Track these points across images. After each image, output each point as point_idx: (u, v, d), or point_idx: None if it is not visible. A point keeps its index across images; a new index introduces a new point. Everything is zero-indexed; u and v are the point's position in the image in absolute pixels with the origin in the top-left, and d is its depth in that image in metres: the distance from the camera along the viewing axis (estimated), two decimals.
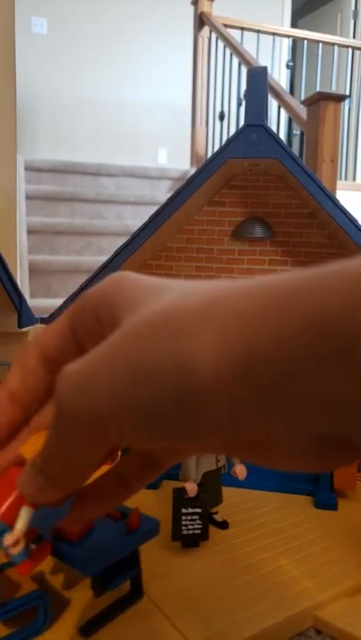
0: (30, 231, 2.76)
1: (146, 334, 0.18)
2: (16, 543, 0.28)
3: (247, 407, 0.16)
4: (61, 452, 0.21)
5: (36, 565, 0.31)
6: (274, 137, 0.65)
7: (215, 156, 0.68)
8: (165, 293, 0.19)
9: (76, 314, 0.23)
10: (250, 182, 0.78)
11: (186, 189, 0.69)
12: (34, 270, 2.60)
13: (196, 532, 0.58)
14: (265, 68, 0.65)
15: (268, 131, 0.65)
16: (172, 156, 4.58)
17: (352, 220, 0.64)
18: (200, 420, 0.17)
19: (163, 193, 3.38)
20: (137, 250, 0.73)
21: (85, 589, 0.50)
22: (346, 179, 4.16)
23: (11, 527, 0.27)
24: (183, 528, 0.58)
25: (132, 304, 0.20)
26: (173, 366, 0.17)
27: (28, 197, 2.95)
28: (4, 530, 0.27)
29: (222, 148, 0.67)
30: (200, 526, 0.59)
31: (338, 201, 0.64)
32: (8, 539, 0.28)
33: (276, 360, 0.15)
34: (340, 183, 2.89)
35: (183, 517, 0.58)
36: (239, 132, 0.66)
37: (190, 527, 0.58)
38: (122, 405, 0.18)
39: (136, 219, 3.01)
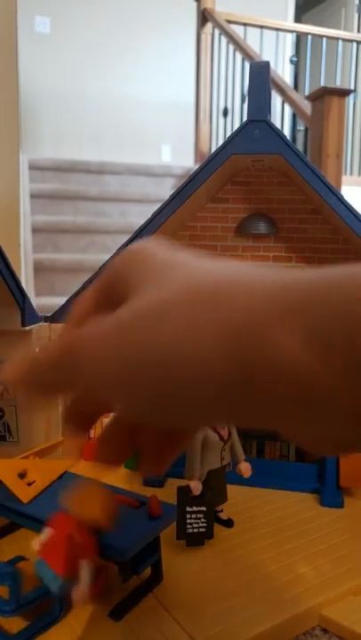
0: (34, 230, 2.76)
1: (148, 325, 0.19)
2: (85, 597, 0.28)
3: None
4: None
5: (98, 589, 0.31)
6: (277, 132, 0.65)
7: (218, 152, 0.67)
8: (168, 280, 0.20)
9: (99, 288, 0.25)
10: (253, 178, 0.77)
11: (188, 186, 0.68)
12: (38, 269, 2.60)
13: (200, 530, 0.58)
14: (267, 63, 0.64)
15: (271, 126, 0.65)
16: (175, 153, 4.57)
17: (356, 215, 0.63)
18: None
19: (167, 190, 3.37)
20: None
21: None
22: (351, 174, 4.14)
23: (69, 580, 0.27)
24: (188, 526, 0.58)
25: (140, 282, 0.21)
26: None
27: (31, 196, 2.94)
28: (63, 584, 0.27)
29: (225, 144, 0.67)
30: (205, 525, 0.58)
31: (341, 196, 0.64)
32: (77, 595, 0.28)
33: None
34: (345, 178, 2.88)
35: (188, 516, 0.58)
36: (242, 128, 0.66)
37: (195, 526, 0.58)
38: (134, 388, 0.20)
39: (140, 216, 2.99)
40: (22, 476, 0.54)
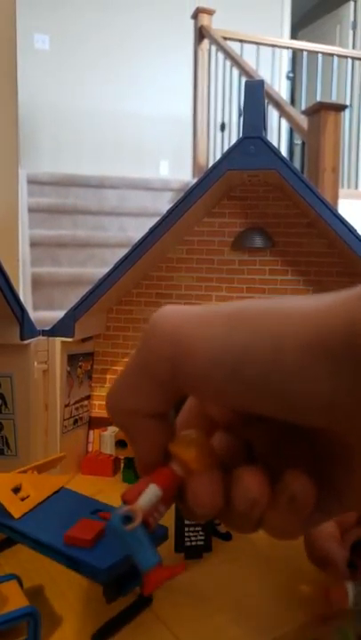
0: (33, 244, 2.77)
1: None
2: (134, 517, 0.25)
3: None
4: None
5: (166, 578, 0.29)
6: (271, 148, 0.66)
7: (214, 167, 0.68)
8: None
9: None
10: (249, 193, 0.78)
11: (185, 201, 0.69)
12: (37, 283, 2.61)
13: (199, 543, 0.58)
14: (262, 81, 0.66)
15: (266, 142, 0.66)
16: (173, 168, 4.61)
17: (350, 229, 0.64)
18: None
19: (165, 204, 3.40)
20: (138, 261, 0.73)
21: (80, 603, 0.50)
22: (348, 187, 4.17)
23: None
24: (186, 539, 0.58)
25: None
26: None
27: (30, 210, 2.96)
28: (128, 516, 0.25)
29: (220, 160, 0.68)
30: (203, 538, 0.58)
31: (336, 210, 0.64)
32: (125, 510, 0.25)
33: None
34: (342, 191, 2.90)
35: (186, 529, 0.58)
36: (237, 144, 0.67)
37: (193, 539, 0.58)
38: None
39: (138, 230, 3.02)
40: (17, 490, 0.53)
